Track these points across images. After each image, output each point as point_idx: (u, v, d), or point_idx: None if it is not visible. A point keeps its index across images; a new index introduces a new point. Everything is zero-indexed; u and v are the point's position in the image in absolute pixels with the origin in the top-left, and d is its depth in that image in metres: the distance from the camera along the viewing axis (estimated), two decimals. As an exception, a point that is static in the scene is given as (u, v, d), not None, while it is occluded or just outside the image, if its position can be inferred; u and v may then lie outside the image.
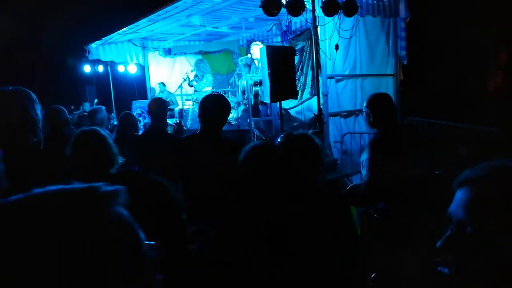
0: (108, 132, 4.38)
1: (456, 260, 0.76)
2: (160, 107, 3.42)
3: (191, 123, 7.77)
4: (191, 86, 8.23)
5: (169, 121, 6.96)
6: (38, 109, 1.71)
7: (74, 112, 6.22)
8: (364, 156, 2.32)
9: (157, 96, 8.59)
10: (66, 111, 3.22)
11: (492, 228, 0.71)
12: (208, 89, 8.10)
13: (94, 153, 1.78)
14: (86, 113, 5.81)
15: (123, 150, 3.42)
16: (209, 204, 2.39)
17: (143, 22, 7.44)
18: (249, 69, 7.29)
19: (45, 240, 0.50)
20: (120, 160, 1.88)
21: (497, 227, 0.70)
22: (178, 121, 6.76)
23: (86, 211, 0.54)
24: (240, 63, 7.72)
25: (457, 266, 0.76)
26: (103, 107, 4.68)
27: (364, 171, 2.34)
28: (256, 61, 7.12)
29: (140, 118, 7.99)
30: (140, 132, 4.61)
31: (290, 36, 7.33)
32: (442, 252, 0.78)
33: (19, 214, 0.52)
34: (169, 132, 5.43)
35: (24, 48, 10.06)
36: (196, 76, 8.28)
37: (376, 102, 2.48)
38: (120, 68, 9.87)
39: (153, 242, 0.63)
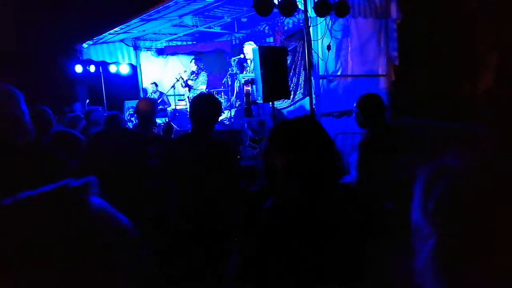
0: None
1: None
2: (147, 108, 3.37)
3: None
4: (186, 86, 8.21)
5: (158, 120, 6.94)
6: (24, 104, 1.66)
7: (68, 114, 6.16)
8: (354, 157, 2.33)
9: (149, 97, 8.56)
10: (50, 112, 3.15)
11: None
12: (202, 87, 8.09)
13: None
14: (78, 114, 5.79)
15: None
16: (202, 203, 2.38)
17: (135, 22, 7.39)
18: (242, 69, 7.29)
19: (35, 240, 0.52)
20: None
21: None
22: (167, 121, 6.73)
23: (64, 208, 0.55)
24: (232, 63, 7.71)
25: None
26: (100, 107, 4.70)
27: (354, 172, 2.35)
28: (249, 61, 7.12)
29: (133, 119, 7.94)
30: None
31: (283, 37, 7.35)
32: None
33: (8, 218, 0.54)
34: (158, 132, 5.41)
35: (14, 48, 9.95)
36: (192, 72, 8.25)
37: (366, 102, 2.50)
38: (112, 68, 9.80)
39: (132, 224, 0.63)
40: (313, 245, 1.34)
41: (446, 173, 0.73)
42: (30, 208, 0.54)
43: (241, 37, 9.22)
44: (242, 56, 7.42)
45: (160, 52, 9.69)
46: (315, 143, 1.44)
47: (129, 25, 7.67)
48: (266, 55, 5.09)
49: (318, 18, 5.43)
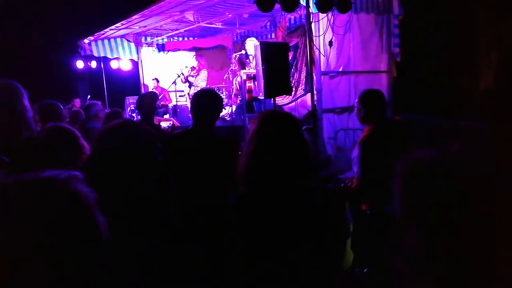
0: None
1: None
2: (151, 102, 3.39)
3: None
4: (186, 82, 8.21)
5: (162, 124, 6.95)
6: (26, 100, 1.67)
7: (67, 107, 6.20)
8: (355, 153, 2.34)
9: (150, 91, 8.57)
10: (61, 106, 3.17)
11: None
12: (203, 84, 8.09)
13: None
14: (78, 109, 5.80)
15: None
16: (201, 199, 2.39)
17: (136, 17, 7.38)
18: (244, 65, 7.28)
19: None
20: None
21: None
22: (172, 125, 6.75)
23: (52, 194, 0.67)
24: (234, 59, 7.70)
25: None
26: (99, 102, 4.71)
27: (355, 168, 2.35)
28: (251, 57, 7.10)
29: (134, 115, 7.95)
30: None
31: (285, 33, 7.32)
32: None
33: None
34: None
35: (16, 43, 9.95)
36: (193, 68, 8.25)
37: (368, 97, 2.50)
38: (113, 64, 9.80)
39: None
40: (266, 241, 1.37)
41: (425, 171, 0.71)
42: (24, 188, 0.66)
43: (242, 33, 9.19)
44: (243, 52, 7.40)
45: (161, 48, 9.67)
46: (282, 139, 1.41)
47: (130, 21, 7.65)
48: (268, 51, 5.08)
49: (320, 13, 5.41)
